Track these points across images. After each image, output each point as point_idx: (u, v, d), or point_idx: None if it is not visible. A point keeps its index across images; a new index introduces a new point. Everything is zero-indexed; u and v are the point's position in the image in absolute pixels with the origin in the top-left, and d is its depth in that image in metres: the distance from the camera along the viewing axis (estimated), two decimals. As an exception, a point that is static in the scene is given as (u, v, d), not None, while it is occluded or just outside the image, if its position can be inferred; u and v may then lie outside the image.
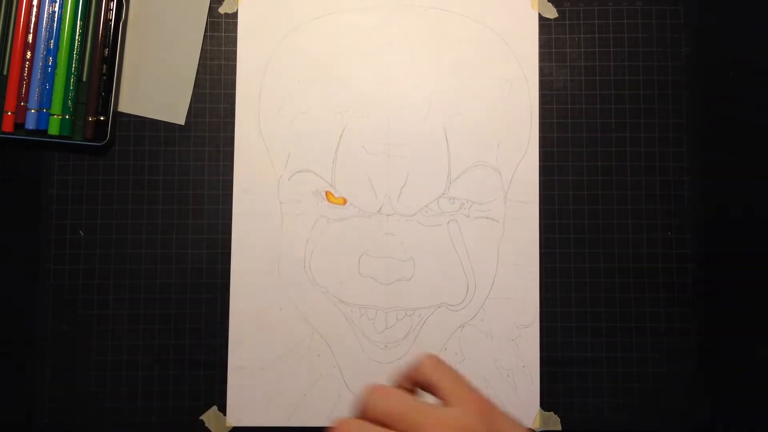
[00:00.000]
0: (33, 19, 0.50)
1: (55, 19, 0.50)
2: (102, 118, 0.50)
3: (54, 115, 0.50)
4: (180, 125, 0.51)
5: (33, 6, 0.50)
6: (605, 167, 0.51)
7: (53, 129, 0.50)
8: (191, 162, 0.51)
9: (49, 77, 0.50)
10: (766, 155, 0.52)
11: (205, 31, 0.52)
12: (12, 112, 0.49)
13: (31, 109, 0.50)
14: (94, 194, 0.51)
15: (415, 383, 0.33)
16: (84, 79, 0.50)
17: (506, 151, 0.51)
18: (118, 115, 0.51)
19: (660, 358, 0.49)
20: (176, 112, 0.51)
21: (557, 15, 0.52)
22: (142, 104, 0.52)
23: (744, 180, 0.50)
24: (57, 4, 0.50)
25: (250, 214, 0.51)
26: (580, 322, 0.51)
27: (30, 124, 0.50)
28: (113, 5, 0.50)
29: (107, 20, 0.50)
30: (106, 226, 0.51)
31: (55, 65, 0.50)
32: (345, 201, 0.51)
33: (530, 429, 0.50)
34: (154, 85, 0.52)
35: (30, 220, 0.51)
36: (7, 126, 0.50)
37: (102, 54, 0.50)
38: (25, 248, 0.51)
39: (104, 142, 0.50)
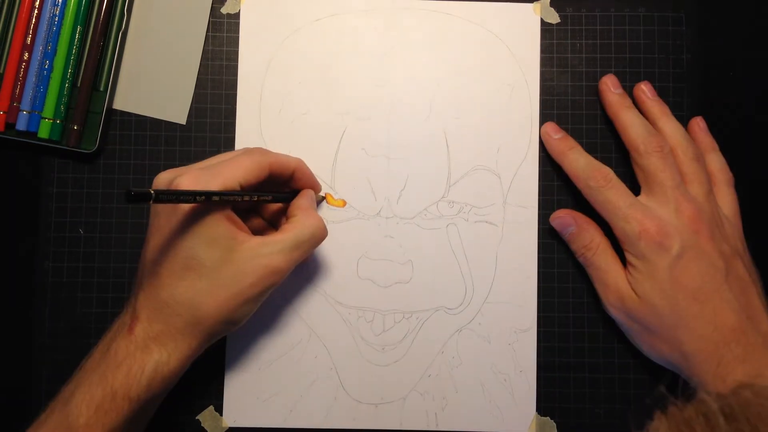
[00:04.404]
0: (33, 20, 0.50)
1: (56, 23, 0.50)
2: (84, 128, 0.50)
3: (45, 118, 0.49)
4: (181, 125, 0.52)
5: (34, 8, 0.50)
6: (605, 173, 0.51)
7: (43, 132, 0.49)
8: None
9: (44, 80, 0.50)
10: (766, 161, 0.52)
11: (207, 31, 0.52)
12: (4, 112, 0.49)
13: (23, 111, 0.49)
14: (94, 192, 0.51)
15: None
16: (78, 85, 0.50)
17: (506, 156, 0.51)
18: (119, 114, 0.51)
19: (658, 365, 0.49)
20: (178, 112, 0.52)
21: (559, 20, 0.52)
22: (143, 103, 0.52)
23: (744, 185, 0.50)
24: (58, 8, 0.50)
25: (249, 214, 0.51)
26: (578, 328, 0.51)
27: (21, 125, 0.49)
28: (116, 16, 0.50)
29: (107, 30, 0.50)
30: (105, 225, 0.51)
31: (51, 69, 0.50)
32: (344, 203, 0.51)
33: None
34: (156, 85, 0.52)
35: (29, 217, 0.51)
36: (-2, 124, 0.50)
37: (96, 64, 0.50)
38: (23, 246, 0.51)
39: (92, 150, 0.50)
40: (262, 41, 0.52)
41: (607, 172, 0.47)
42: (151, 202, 0.36)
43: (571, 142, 0.49)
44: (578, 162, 0.48)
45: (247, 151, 0.45)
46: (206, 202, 0.40)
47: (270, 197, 0.46)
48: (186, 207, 0.40)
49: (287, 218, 0.46)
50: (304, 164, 0.48)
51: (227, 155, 0.45)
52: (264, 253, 0.42)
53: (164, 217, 0.41)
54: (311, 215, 0.45)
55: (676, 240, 0.44)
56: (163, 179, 0.42)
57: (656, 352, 0.47)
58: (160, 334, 0.41)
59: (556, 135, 0.50)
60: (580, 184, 0.48)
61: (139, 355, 0.40)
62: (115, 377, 0.40)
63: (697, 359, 0.44)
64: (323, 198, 0.51)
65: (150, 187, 0.39)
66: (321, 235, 0.45)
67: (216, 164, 0.43)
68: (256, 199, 0.44)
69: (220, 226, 0.41)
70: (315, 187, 0.49)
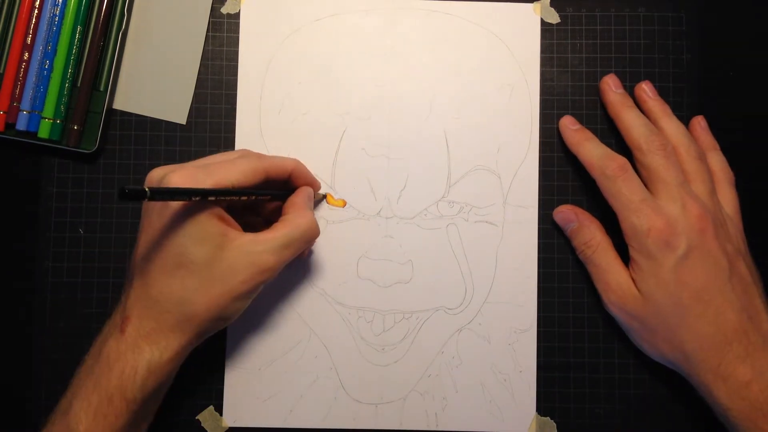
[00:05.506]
0: (33, 20, 0.50)
1: (56, 23, 0.50)
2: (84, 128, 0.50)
3: (45, 118, 0.49)
4: (181, 125, 0.52)
5: (34, 8, 0.50)
6: (605, 173, 0.51)
7: (43, 132, 0.49)
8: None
9: (44, 80, 0.50)
10: (766, 161, 0.52)
11: (207, 32, 0.52)
12: (4, 112, 0.49)
13: (23, 111, 0.49)
14: (94, 192, 0.51)
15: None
16: (78, 85, 0.50)
17: (506, 156, 0.51)
18: (119, 114, 0.51)
19: (658, 364, 0.49)
20: (178, 112, 0.52)
21: (559, 20, 0.52)
22: (143, 103, 0.52)
23: (744, 185, 0.50)
24: (58, 8, 0.50)
25: (249, 214, 0.51)
26: (578, 328, 0.51)
27: (21, 125, 0.49)
28: (116, 16, 0.50)
29: (107, 30, 0.50)
30: (105, 225, 0.51)
31: (51, 69, 0.50)
32: (344, 203, 0.51)
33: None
34: (156, 84, 0.52)
35: (29, 217, 0.51)
36: (-2, 125, 0.50)
37: (96, 65, 0.50)
38: (24, 246, 0.51)
39: (92, 150, 0.50)
40: (262, 41, 0.52)
41: (624, 162, 0.47)
42: (146, 200, 0.36)
43: (588, 134, 0.50)
44: (594, 151, 0.48)
45: (244, 154, 0.45)
46: (201, 201, 0.40)
47: (268, 196, 0.46)
48: (177, 204, 0.40)
49: (281, 216, 0.46)
50: (301, 165, 0.48)
51: (224, 155, 0.45)
52: (254, 251, 0.42)
53: (155, 215, 0.41)
54: (303, 214, 0.45)
55: (683, 239, 0.44)
56: (155, 175, 0.42)
57: (657, 350, 0.47)
58: (151, 331, 0.41)
59: (573, 126, 0.50)
60: (595, 173, 0.48)
61: (130, 356, 0.40)
62: (109, 380, 0.40)
63: (699, 358, 0.44)
64: (323, 197, 0.51)
65: (144, 184, 0.39)
66: (312, 233, 0.45)
67: (210, 164, 0.43)
68: (254, 198, 0.44)
69: (210, 223, 0.41)
70: (313, 185, 0.49)
